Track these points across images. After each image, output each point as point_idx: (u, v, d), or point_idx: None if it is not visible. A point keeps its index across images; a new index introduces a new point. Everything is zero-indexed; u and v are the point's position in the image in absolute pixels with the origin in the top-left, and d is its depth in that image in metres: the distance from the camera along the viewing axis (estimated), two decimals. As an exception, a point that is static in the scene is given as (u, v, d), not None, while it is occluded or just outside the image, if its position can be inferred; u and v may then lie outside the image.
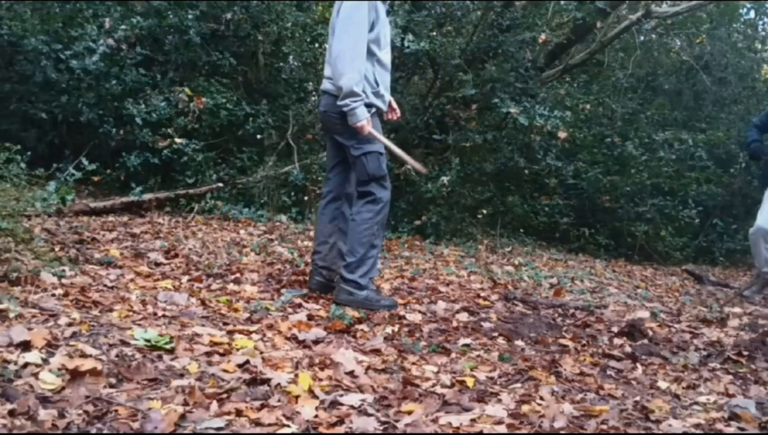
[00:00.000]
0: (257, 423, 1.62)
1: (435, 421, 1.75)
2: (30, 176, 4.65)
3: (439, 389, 2.01)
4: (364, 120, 2.93)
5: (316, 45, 7.06)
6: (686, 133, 8.02)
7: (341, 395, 1.85)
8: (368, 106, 2.98)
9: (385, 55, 3.08)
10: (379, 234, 3.11)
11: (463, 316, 3.10)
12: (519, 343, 2.76)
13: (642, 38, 8.77)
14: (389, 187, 3.13)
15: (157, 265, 3.40)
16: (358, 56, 2.89)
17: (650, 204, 7.52)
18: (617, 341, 2.91)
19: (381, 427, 1.68)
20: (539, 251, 6.60)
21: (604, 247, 7.42)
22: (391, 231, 5.88)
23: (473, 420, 1.77)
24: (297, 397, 1.80)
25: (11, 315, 2.13)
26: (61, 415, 1.53)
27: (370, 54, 2.99)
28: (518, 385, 2.15)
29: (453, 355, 2.45)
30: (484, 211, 7.36)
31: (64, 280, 2.73)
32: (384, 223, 3.15)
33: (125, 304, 2.52)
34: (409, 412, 1.79)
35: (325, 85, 3.08)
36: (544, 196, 7.50)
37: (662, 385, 2.29)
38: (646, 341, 2.92)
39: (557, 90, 7.83)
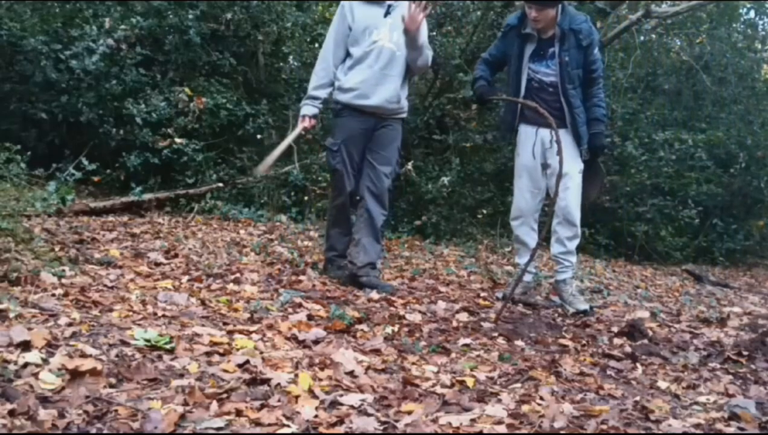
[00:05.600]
0: (257, 423, 1.62)
1: (435, 421, 1.75)
2: (30, 176, 4.66)
3: (439, 389, 2.01)
4: (302, 115, 3.50)
5: (316, 45, 7.04)
6: (686, 133, 7.99)
7: (341, 395, 1.85)
8: (337, 103, 3.49)
9: (359, 50, 3.41)
10: (340, 218, 3.60)
11: (463, 316, 3.10)
12: (519, 343, 2.76)
13: (642, 38, 8.75)
14: (341, 182, 3.49)
15: (157, 265, 3.40)
16: (318, 63, 3.52)
17: (650, 204, 7.51)
18: (617, 341, 2.91)
19: (381, 427, 1.68)
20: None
21: (604, 247, 7.41)
22: (391, 231, 5.88)
23: (473, 420, 1.77)
24: (297, 397, 1.80)
25: (11, 315, 2.13)
26: (61, 415, 1.53)
27: (348, 55, 3.45)
28: (518, 385, 2.15)
29: (453, 355, 2.45)
30: (484, 211, 7.34)
31: (64, 280, 2.73)
32: (343, 211, 3.58)
33: (125, 304, 2.52)
34: (409, 412, 1.79)
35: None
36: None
37: (662, 385, 2.29)
38: (646, 341, 2.92)
39: (557, 90, 7.79)
